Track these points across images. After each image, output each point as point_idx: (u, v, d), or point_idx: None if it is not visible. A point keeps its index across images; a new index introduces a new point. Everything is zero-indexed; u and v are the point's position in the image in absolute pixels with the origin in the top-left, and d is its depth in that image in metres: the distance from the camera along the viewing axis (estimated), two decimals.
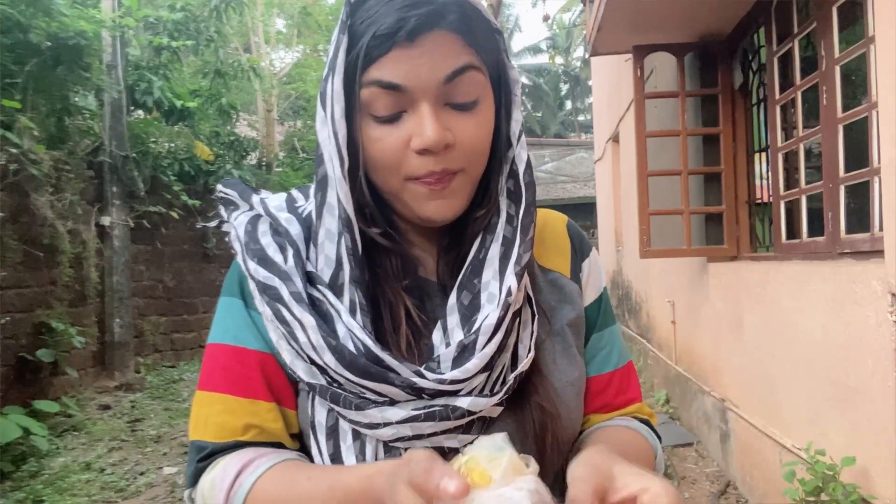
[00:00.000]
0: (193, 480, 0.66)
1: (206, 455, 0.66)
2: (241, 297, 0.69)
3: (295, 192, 0.75)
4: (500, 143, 0.69)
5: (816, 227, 2.82)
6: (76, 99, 6.45)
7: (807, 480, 2.34)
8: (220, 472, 0.63)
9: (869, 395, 2.23)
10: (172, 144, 8.00)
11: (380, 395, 0.62)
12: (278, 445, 0.67)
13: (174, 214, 7.37)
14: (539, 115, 26.55)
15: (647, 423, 0.79)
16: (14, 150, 5.01)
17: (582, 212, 13.60)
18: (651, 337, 6.04)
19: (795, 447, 2.74)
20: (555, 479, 0.71)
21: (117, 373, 6.46)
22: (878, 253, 2.13)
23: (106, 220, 6.47)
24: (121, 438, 4.97)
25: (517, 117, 0.69)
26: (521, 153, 0.69)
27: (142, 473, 4.26)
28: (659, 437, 0.79)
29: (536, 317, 0.70)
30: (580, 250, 0.80)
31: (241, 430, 0.65)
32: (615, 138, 7.73)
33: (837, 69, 2.56)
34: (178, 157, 7.68)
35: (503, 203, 0.69)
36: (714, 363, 4.00)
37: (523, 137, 0.70)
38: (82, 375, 6.00)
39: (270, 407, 0.67)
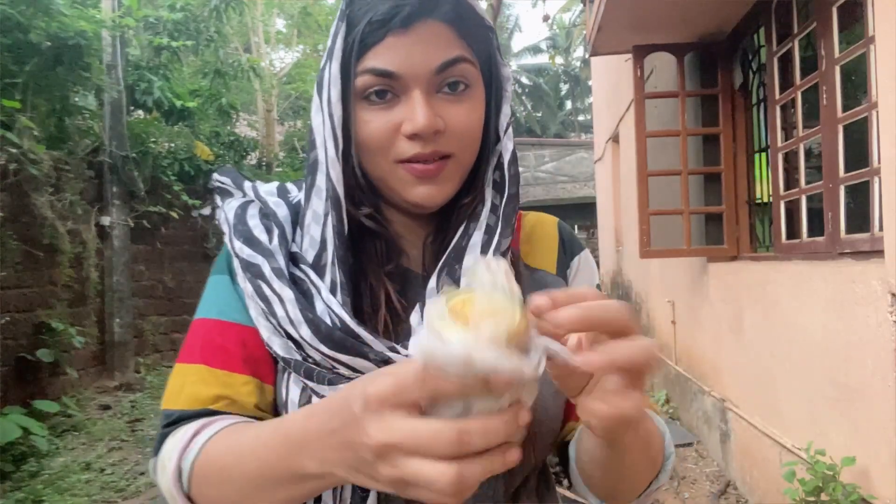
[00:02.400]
0: (158, 448, 0.66)
1: (173, 421, 0.65)
2: (228, 274, 0.71)
3: (289, 184, 0.77)
4: (488, 136, 0.70)
5: (816, 227, 2.82)
6: (76, 99, 6.45)
7: (807, 480, 2.34)
8: (180, 435, 0.63)
9: (869, 395, 2.23)
10: (172, 144, 7.99)
11: (353, 370, 0.62)
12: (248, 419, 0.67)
13: (174, 214, 7.36)
14: (539, 115, 26.52)
15: None
16: (14, 150, 5.01)
17: (582, 212, 13.59)
18: (651, 337, 6.02)
19: (795, 447, 2.74)
20: (529, 477, 0.72)
21: (117, 373, 6.46)
22: (878, 253, 2.13)
23: (106, 220, 6.47)
24: (121, 438, 4.97)
25: (506, 111, 0.71)
26: (507, 144, 0.71)
27: (142, 473, 4.25)
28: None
29: None
30: (569, 248, 0.81)
31: (211, 400, 0.65)
32: (615, 138, 7.73)
33: (837, 69, 2.56)
34: (178, 157, 7.67)
35: (488, 193, 0.70)
36: (714, 363, 3.99)
37: (510, 130, 0.71)
38: (82, 375, 6.00)
39: (246, 380, 0.66)
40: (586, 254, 0.82)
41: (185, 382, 0.66)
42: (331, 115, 0.65)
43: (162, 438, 0.65)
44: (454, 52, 0.63)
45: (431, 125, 0.62)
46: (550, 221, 0.83)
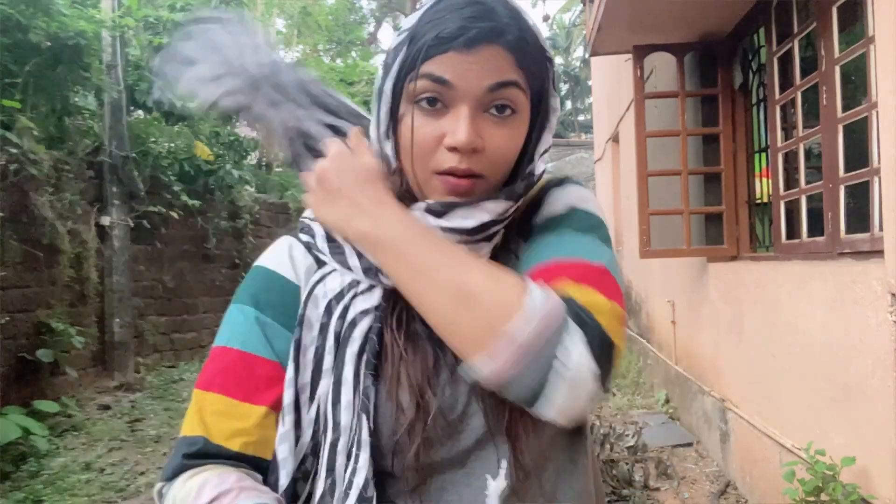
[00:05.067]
0: (171, 475, 0.67)
1: (192, 454, 0.67)
2: (253, 306, 0.72)
3: None
4: (523, 161, 0.72)
5: (816, 227, 2.82)
6: (76, 99, 6.45)
7: (807, 480, 2.34)
8: (195, 489, 0.64)
9: (869, 395, 2.23)
10: (172, 144, 7.98)
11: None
12: (260, 461, 0.68)
13: (174, 214, 7.35)
14: None
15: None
16: (14, 150, 5.01)
17: None
18: (651, 337, 6.04)
19: (795, 447, 2.74)
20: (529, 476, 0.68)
21: (117, 373, 6.45)
22: (878, 253, 2.13)
23: (106, 220, 6.46)
24: (121, 438, 4.97)
25: (547, 140, 0.72)
26: (538, 167, 0.72)
27: (142, 473, 4.25)
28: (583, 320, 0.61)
29: None
30: (538, 206, 0.74)
31: (233, 435, 0.67)
32: (615, 138, 7.73)
33: (837, 69, 2.56)
34: (178, 157, 7.66)
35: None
36: (714, 363, 3.99)
37: (546, 155, 0.73)
38: (82, 375, 5.99)
39: (264, 412, 0.68)
40: (561, 189, 0.75)
41: (204, 410, 0.68)
42: (378, 126, 0.70)
43: (178, 468, 0.67)
44: (509, 76, 0.66)
45: (471, 143, 0.65)
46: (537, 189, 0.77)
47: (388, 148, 0.70)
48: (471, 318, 0.60)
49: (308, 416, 0.68)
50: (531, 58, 0.68)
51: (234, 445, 0.66)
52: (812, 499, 2.32)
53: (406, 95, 0.67)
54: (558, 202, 0.74)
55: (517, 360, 0.57)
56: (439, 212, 0.67)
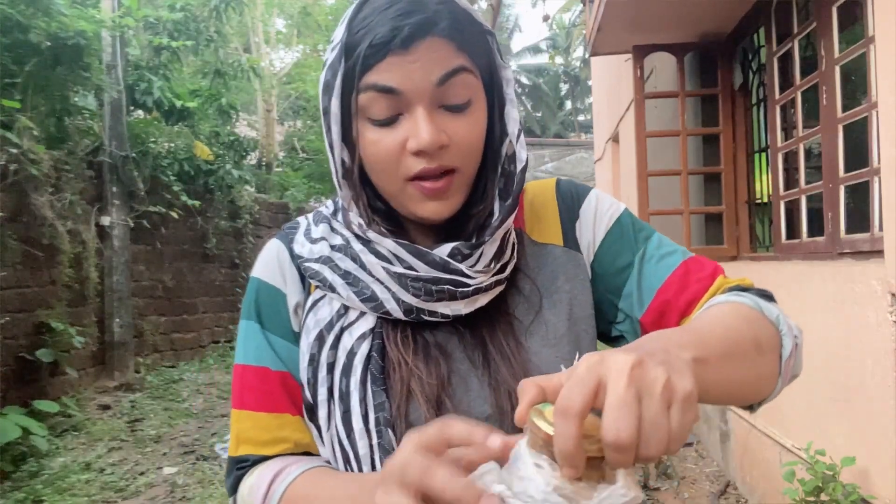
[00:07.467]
0: (234, 489, 0.71)
1: (243, 466, 0.71)
2: (257, 321, 0.74)
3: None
4: (492, 142, 0.71)
5: (816, 227, 2.82)
6: (76, 99, 6.45)
7: (807, 480, 2.34)
8: (255, 478, 0.68)
9: (869, 395, 2.23)
10: (172, 144, 7.98)
11: None
12: (307, 454, 0.71)
13: (174, 214, 7.35)
14: (539, 115, 26.50)
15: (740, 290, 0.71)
16: (14, 150, 5.01)
17: None
18: None
19: (795, 447, 2.74)
20: None
21: (117, 373, 6.45)
22: (878, 253, 2.13)
23: (106, 220, 6.46)
24: (121, 438, 4.97)
25: (514, 116, 0.71)
26: (521, 154, 0.71)
27: (141, 473, 4.26)
28: (769, 297, 0.71)
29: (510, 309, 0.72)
30: (570, 210, 0.78)
31: (272, 444, 0.70)
32: (615, 138, 7.73)
33: (837, 69, 2.56)
34: (178, 157, 7.66)
35: (497, 206, 0.71)
36: None
37: (522, 137, 0.71)
38: (82, 375, 5.99)
39: (296, 419, 0.71)
40: (591, 198, 0.78)
41: (243, 428, 0.72)
42: (331, 147, 0.68)
43: (236, 480, 0.71)
44: (454, 63, 0.64)
45: (436, 142, 0.63)
46: (549, 188, 0.80)
47: (346, 159, 0.68)
48: (767, 360, 0.65)
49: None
50: (471, 38, 0.66)
51: (278, 451, 0.70)
52: (812, 499, 2.32)
53: (355, 111, 0.65)
54: (600, 222, 0.77)
55: (796, 364, 0.70)
56: (467, 254, 0.68)
